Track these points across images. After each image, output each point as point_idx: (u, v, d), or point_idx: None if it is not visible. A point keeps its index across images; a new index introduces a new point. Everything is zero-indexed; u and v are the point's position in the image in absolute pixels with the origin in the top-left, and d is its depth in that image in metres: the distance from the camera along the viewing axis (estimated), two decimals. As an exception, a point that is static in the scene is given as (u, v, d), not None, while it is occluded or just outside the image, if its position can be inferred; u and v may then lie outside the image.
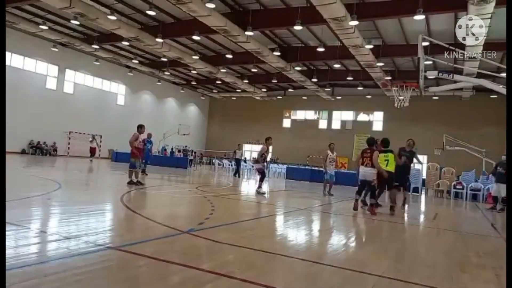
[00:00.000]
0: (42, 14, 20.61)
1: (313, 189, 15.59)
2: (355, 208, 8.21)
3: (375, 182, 8.30)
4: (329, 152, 11.75)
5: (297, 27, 16.78)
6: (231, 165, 27.09)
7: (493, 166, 12.87)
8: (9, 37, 20.01)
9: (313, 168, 23.51)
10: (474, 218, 10.55)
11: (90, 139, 22.67)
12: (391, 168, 8.63)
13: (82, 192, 9.29)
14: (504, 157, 11.60)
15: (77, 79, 27.78)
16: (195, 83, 35.03)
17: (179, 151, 32.56)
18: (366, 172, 8.22)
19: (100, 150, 27.60)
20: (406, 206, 10.12)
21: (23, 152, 23.98)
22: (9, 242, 3.62)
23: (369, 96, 31.64)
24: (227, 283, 3.06)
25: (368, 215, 8.03)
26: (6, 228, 3.85)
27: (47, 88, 25.64)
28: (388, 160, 8.66)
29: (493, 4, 12.14)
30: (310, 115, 36.49)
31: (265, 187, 11.17)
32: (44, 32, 21.92)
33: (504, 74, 12.68)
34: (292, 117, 37.25)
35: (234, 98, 38.53)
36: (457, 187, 15.49)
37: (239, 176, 18.87)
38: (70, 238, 4.04)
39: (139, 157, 10.28)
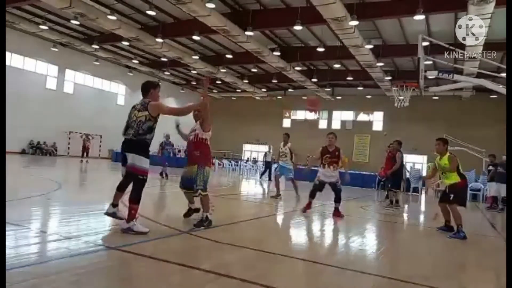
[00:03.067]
0: (42, 14, 20.60)
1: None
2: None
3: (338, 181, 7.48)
4: (281, 145, 10.78)
5: (297, 27, 16.78)
6: (231, 165, 27.12)
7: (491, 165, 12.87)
8: (9, 37, 19.98)
9: (313, 168, 23.49)
10: (474, 218, 10.54)
11: (84, 137, 22.60)
12: (451, 180, 6.33)
13: (82, 192, 9.29)
14: (504, 157, 11.62)
15: (77, 79, 27.77)
16: (195, 83, 35.02)
17: (179, 151, 32.47)
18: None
19: (100, 150, 27.64)
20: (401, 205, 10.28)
21: (23, 152, 23.97)
22: (9, 242, 3.62)
23: (369, 96, 31.63)
24: (227, 283, 3.06)
25: (365, 215, 8.03)
26: (6, 228, 3.85)
27: (47, 88, 25.63)
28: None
29: (493, 4, 12.14)
30: (310, 115, 36.42)
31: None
32: (44, 32, 21.90)
33: (504, 74, 12.66)
34: (292, 117, 37.23)
35: (234, 98, 38.51)
36: (457, 187, 15.46)
37: (270, 179, 17.51)
38: (70, 238, 4.04)
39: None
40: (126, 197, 4.64)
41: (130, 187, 4.52)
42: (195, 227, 5.00)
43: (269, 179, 17.81)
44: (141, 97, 4.76)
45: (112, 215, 4.57)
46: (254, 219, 6.77)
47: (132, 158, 4.35)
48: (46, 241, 4.08)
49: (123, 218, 4.46)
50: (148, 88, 4.65)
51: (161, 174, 13.25)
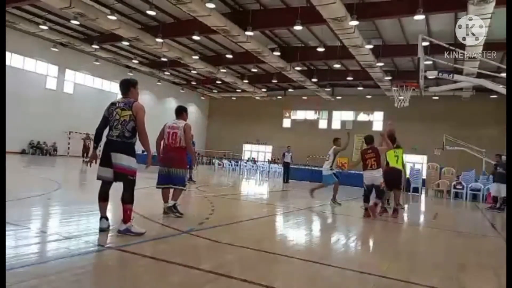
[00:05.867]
0: (42, 14, 20.60)
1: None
2: (368, 216, 7.53)
3: (383, 184, 7.59)
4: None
5: (297, 27, 16.77)
6: (231, 165, 27.10)
7: (493, 166, 12.88)
8: (9, 37, 19.98)
9: (313, 168, 23.48)
10: (474, 218, 10.56)
11: (84, 137, 22.50)
12: (400, 165, 8.42)
13: (82, 192, 9.29)
14: (504, 157, 11.62)
15: (77, 79, 27.75)
16: (195, 83, 35.04)
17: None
18: (373, 176, 7.48)
19: (100, 151, 27.61)
20: (403, 205, 10.34)
21: (23, 152, 23.96)
22: (9, 242, 3.62)
23: (369, 96, 31.63)
24: (227, 283, 3.06)
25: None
26: (6, 228, 3.85)
27: (47, 88, 25.61)
28: (398, 157, 8.36)
29: (493, 4, 12.14)
30: (310, 115, 36.48)
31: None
32: (44, 32, 21.91)
33: (504, 74, 12.68)
34: (292, 117, 37.24)
35: (234, 98, 38.51)
36: (457, 187, 15.49)
37: (287, 181, 17.27)
38: (70, 238, 4.04)
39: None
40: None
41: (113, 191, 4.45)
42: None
43: (286, 181, 17.36)
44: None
45: (108, 229, 4.39)
46: (254, 219, 6.77)
47: (119, 158, 4.23)
48: (46, 241, 4.08)
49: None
50: (129, 86, 4.58)
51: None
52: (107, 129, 4.43)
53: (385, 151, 8.06)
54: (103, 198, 4.39)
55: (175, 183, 5.79)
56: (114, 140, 4.27)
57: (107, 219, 4.40)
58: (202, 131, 40.91)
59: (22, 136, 23.42)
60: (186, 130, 5.79)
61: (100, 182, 4.42)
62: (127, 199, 4.27)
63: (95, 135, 4.45)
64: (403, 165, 9.15)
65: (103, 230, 4.30)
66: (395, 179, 8.33)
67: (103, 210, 4.38)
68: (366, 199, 7.71)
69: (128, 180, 4.29)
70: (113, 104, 4.45)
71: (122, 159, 4.24)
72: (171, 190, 5.88)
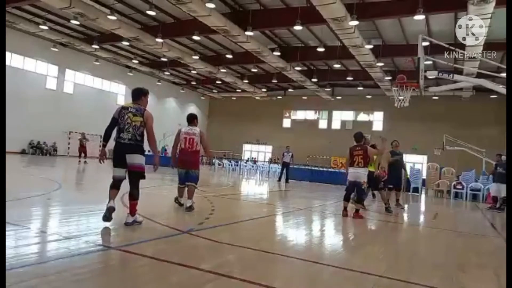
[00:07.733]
0: (42, 14, 20.61)
1: (313, 189, 15.60)
2: (346, 215, 7.40)
3: (365, 184, 7.45)
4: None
5: (297, 27, 16.78)
6: (231, 165, 27.11)
7: (493, 166, 12.87)
8: (9, 37, 19.99)
9: (313, 168, 23.49)
10: (474, 218, 10.55)
11: (80, 137, 22.20)
12: (373, 168, 8.81)
13: (82, 192, 9.29)
14: (504, 157, 11.63)
15: (77, 79, 27.76)
16: (195, 83, 35.04)
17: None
18: (358, 173, 7.35)
19: (100, 150, 27.58)
20: (403, 205, 10.48)
21: (23, 152, 23.97)
22: (9, 242, 3.62)
23: (369, 96, 31.64)
24: (227, 283, 3.06)
25: (368, 215, 8.02)
26: (6, 228, 3.85)
27: (47, 88, 25.62)
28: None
29: (493, 4, 12.14)
30: (310, 115, 36.49)
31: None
32: (44, 32, 21.92)
33: (504, 74, 12.67)
34: (292, 117, 37.25)
35: (234, 98, 38.52)
36: (457, 187, 15.49)
37: (287, 181, 17.21)
38: (70, 238, 4.04)
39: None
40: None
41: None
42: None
43: (286, 181, 17.36)
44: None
45: (113, 214, 4.64)
46: (254, 219, 6.77)
47: (136, 158, 4.74)
48: (46, 241, 4.07)
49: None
50: (140, 95, 4.98)
51: None
52: (115, 130, 4.82)
53: (376, 154, 8.27)
54: (115, 188, 4.77)
55: (190, 180, 6.52)
56: (128, 143, 4.69)
57: (114, 203, 4.68)
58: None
59: (22, 136, 23.43)
60: (203, 136, 6.58)
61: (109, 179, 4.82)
62: (136, 195, 4.77)
63: (104, 135, 4.87)
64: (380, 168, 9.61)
65: (109, 210, 4.56)
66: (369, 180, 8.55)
67: (112, 196, 4.70)
68: (347, 197, 7.53)
69: (140, 176, 4.79)
70: (124, 108, 4.84)
71: (138, 159, 4.75)
72: (186, 189, 6.60)
